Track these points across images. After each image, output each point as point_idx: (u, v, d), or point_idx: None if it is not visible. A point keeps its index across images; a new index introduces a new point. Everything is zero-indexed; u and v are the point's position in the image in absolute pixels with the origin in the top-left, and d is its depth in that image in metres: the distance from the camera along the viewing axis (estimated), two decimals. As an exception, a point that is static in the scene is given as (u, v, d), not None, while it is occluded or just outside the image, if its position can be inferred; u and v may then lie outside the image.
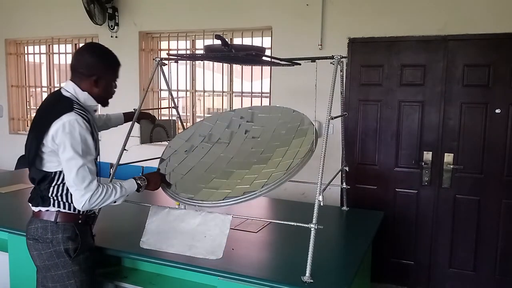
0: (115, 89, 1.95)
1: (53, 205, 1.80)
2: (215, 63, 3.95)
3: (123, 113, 2.42)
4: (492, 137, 3.20)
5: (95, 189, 1.72)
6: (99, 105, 1.91)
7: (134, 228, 2.17)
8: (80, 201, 1.71)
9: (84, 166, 1.70)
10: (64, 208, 1.81)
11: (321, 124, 3.32)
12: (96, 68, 1.82)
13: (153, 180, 2.00)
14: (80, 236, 1.84)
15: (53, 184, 1.79)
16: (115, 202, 1.82)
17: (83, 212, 1.85)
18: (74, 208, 1.80)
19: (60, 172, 1.77)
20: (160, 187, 2.09)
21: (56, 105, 1.78)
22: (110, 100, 1.96)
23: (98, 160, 1.93)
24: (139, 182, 1.90)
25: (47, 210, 1.81)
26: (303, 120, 2.35)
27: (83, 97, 1.83)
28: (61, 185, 1.79)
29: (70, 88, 1.82)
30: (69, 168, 1.71)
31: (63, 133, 1.69)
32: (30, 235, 1.84)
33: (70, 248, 1.81)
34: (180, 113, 3.09)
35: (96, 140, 1.83)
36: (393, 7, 3.33)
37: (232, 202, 1.89)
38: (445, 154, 3.32)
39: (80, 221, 1.86)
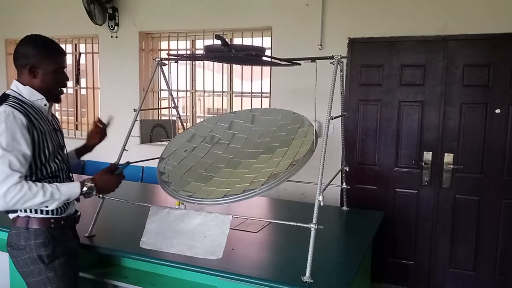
0: (64, 81, 1.83)
1: (21, 211, 1.74)
2: (215, 63, 3.95)
3: (75, 150, 2.14)
4: (492, 137, 3.20)
5: (13, 184, 1.57)
6: (45, 100, 1.78)
7: (134, 228, 2.17)
8: None
9: (3, 158, 1.58)
10: (34, 212, 1.75)
11: (321, 124, 3.32)
12: (31, 56, 1.74)
13: (104, 185, 1.81)
14: (54, 241, 1.77)
15: None
16: (46, 206, 1.71)
17: (55, 215, 1.78)
18: (45, 212, 1.75)
19: None
20: (160, 186, 2.08)
21: None
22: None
23: (59, 158, 1.81)
24: (84, 190, 1.73)
25: (18, 216, 1.76)
26: (303, 122, 2.35)
27: (26, 92, 1.75)
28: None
29: (13, 86, 1.78)
30: None
31: None
32: (8, 242, 1.81)
33: (43, 254, 1.75)
34: (180, 113, 3.09)
35: (37, 136, 1.69)
36: (393, 7, 3.33)
37: (232, 200, 1.89)
38: (445, 154, 3.33)
39: (53, 225, 1.78)
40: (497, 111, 3.17)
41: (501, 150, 3.19)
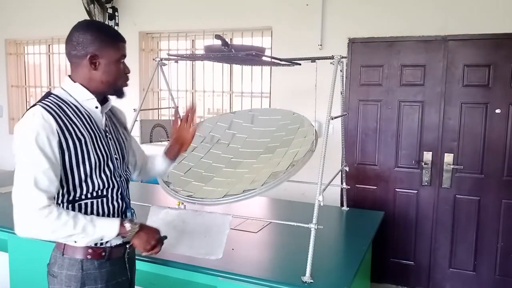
0: (127, 73, 1.52)
1: None
2: (215, 63, 3.95)
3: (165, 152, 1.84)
4: (492, 137, 3.20)
5: (38, 208, 1.28)
6: (96, 101, 1.47)
7: (134, 228, 2.17)
8: (15, 223, 1.32)
9: (27, 173, 1.30)
10: None
11: (321, 124, 3.32)
12: (91, 44, 1.43)
13: (145, 237, 1.46)
14: (85, 276, 1.43)
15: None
16: (75, 241, 1.38)
17: (94, 244, 1.43)
18: None
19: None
20: (160, 186, 2.07)
21: None
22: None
23: (107, 174, 1.46)
24: (127, 228, 1.40)
25: None
26: (303, 122, 2.36)
27: (75, 90, 1.44)
28: (64, 204, 1.41)
29: (63, 83, 1.48)
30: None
31: (15, 131, 1.36)
32: (48, 263, 1.52)
33: None
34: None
35: (73, 146, 1.37)
36: (393, 7, 3.33)
37: (232, 200, 1.89)
38: (445, 154, 3.32)
39: (89, 257, 1.43)
40: (497, 111, 3.17)
41: (501, 150, 3.19)
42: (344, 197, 2.87)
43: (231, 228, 1.86)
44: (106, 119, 1.53)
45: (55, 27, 4.56)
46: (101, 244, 1.45)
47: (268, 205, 3.11)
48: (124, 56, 1.50)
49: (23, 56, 5.15)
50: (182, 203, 2.35)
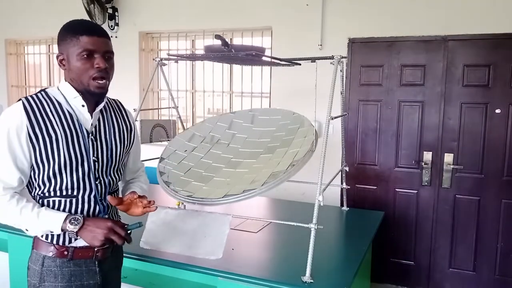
0: (97, 68, 1.41)
1: None
2: (215, 63, 3.95)
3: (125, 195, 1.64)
4: (492, 137, 3.20)
5: None
6: (80, 99, 1.45)
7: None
8: None
9: None
10: None
11: (321, 124, 3.32)
12: (58, 43, 1.45)
13: (90, 233, 1.38)
14: (43, 274, 1.42)
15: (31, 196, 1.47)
16: (27, 230, 1.40)
17: (57, 242, 1.42)
18: (50, 236, 1.43)
19: (29, 181, 1.44)
20: (160, 186, 2.06)
21: None
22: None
23: (79, 174, 1.44)
24: (69, 223, 1.37)
25: None
26: (303, 122, 2.35)
27: (64, 89, 1.46)
28: (36, 198, 1.44)
29: (60, 83, 1.51)
30: None
31: None
32: None
33: (32, 283, 1.45)
34: (180, 113, 3.09)
35: (43, 142, 1.38)
36: (393, 7, 3.33)
37: (232, 200, 1.89)
38: (445, 154, 3.32)
39: (52, 254, 1.42)
40: (497, 111, 3.17)
41: (501, 150, 3.19)
42: (344, 197, 2.87)
43: (231, 228, 1.86)
44: (101, 119, 1.53)
45: (55, 27, 4.51)
46: (63, 243, 1.43)
47: (268, 205, 3.11)
48: (89, 50, 1.39)
49: (23, 56, 5.15)
50: (182, 203, 2.35)
